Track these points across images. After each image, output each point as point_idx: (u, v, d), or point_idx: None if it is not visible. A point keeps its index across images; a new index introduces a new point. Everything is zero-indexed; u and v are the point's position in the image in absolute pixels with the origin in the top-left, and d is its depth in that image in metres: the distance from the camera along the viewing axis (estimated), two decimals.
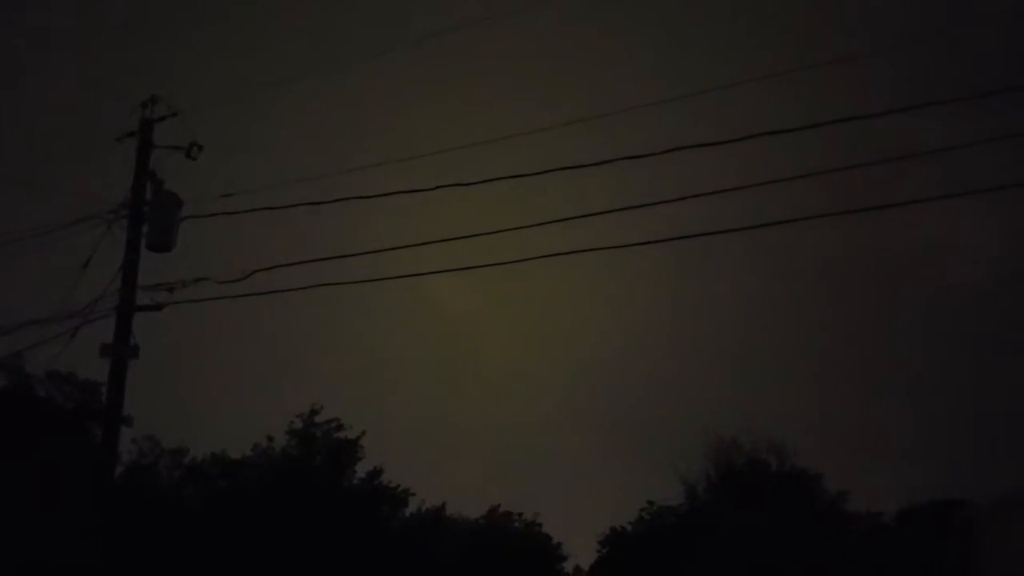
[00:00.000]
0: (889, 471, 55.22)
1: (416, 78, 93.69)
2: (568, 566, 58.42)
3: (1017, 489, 34.36)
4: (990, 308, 75.91)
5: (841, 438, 59.59)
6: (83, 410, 37.16)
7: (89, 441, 28.27)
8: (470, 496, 59.87)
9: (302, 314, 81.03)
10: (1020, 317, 71.10)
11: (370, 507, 40.98)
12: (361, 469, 41.45)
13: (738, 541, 39.85)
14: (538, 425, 77.62)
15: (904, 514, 47.65)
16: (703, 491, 47.04)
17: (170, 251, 16.47)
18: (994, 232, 74.93)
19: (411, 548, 42.07)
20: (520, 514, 55.28)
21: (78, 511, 16.04)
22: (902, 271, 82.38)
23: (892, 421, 67.05)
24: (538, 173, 14.00)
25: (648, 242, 13.83)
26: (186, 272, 16.16)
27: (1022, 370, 66.74)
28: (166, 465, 41.47)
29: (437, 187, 14.66)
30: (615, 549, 52.39)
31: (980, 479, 56.70)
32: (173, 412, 50.11)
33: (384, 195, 14.99)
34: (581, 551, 57.07)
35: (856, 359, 76.48)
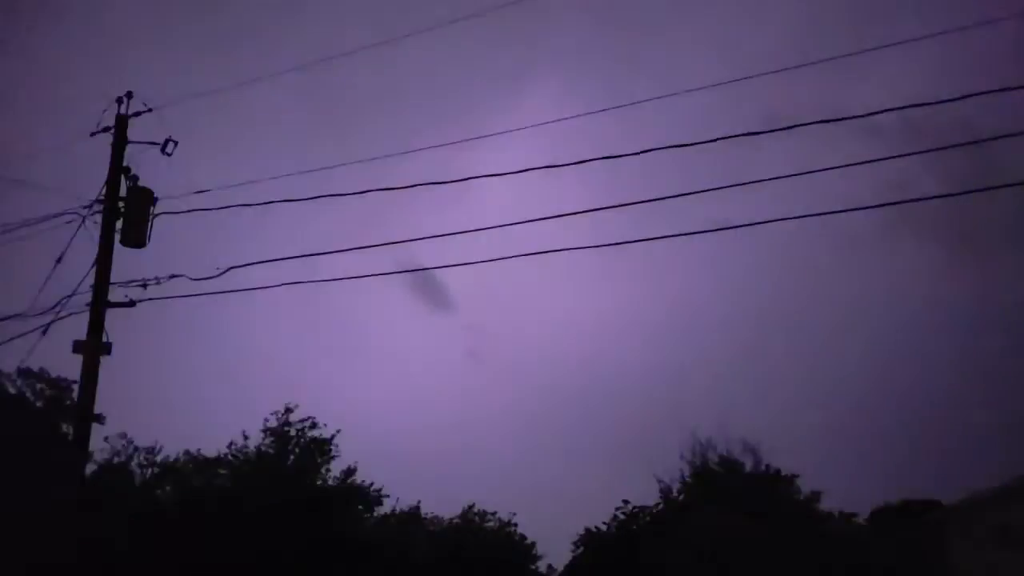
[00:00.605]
0: (862, 471, 55.68)
1: (408, 75, 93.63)
2: (542, 566, 58.33)
3: (989, 489, 34.72)
4: (966, 308, 76.59)
5: (815, 438, 59.91)
6: (55, 407, 36.87)
7: (61, 439, 27.98)
8: (445, 496, 59.68)
9: (277, 311, 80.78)
10: (995, 318, 71.79)
11: (344, 506, 40.81)
12: (335, 468, 41.33)
13: (712, 541, 39.97)
14: (515, 424, 77.65)
15: (877, 514, 48.10)
16: (678, 491, 47.21)
17: (144, 247, 16.37)
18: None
19: (385, 547, 41.94)
20: (494, 513, 55.21)
21: (49, 510, 15.87)
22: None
23: (865, 422, 67.54)
24: (514, 172, 14.01)
25: (621, 243, 13.90)
26: (160, 268, 16.09)
27: (996, 371, 67.43)
28: (139, 463, 41.22)
29: (410, 186, 14.66)
30: (589, 549, 52.32)
31: (953, 479, 57.36)
32: (147, 409, 49.87)
33: (359, 193, 14.96)
34: (555, 551, 57.04)
35: (831, 359, 76.95)
